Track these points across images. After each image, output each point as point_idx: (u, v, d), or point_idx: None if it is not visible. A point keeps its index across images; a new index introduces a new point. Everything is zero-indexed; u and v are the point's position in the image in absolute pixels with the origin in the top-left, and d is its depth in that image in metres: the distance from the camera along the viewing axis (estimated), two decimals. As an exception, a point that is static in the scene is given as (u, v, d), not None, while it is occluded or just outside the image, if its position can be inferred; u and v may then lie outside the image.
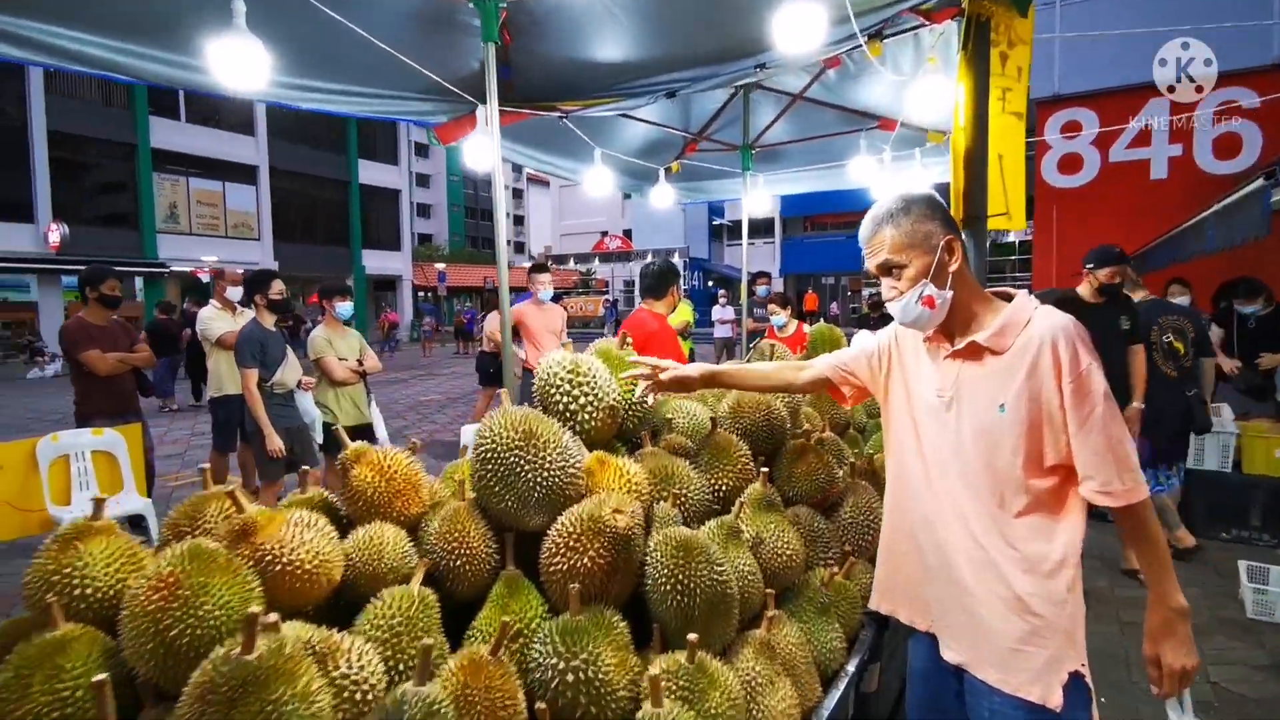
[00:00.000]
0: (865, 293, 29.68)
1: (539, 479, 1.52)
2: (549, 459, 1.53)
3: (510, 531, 1.54)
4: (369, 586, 1.39)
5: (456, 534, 1.48)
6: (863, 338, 1.90)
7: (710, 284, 36.62)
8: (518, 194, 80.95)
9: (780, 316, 6.16)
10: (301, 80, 3.46)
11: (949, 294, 1.52)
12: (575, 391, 1.78)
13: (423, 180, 71.03)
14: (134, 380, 5.35)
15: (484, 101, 3.43)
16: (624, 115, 5.04)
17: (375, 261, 34.58)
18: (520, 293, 7.99)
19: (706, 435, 2.02)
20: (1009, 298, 1.58)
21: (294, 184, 30.68)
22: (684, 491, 1.77)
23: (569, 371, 1.79)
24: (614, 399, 1.83)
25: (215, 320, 5.84)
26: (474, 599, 1.47)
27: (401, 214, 36.57)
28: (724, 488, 1.89)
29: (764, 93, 5.70)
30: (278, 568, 1.22)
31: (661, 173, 5.95)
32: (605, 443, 1.86)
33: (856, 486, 2.16)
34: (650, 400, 1.95)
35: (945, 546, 1.56)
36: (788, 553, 1.75)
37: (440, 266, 36.16)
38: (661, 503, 1.69)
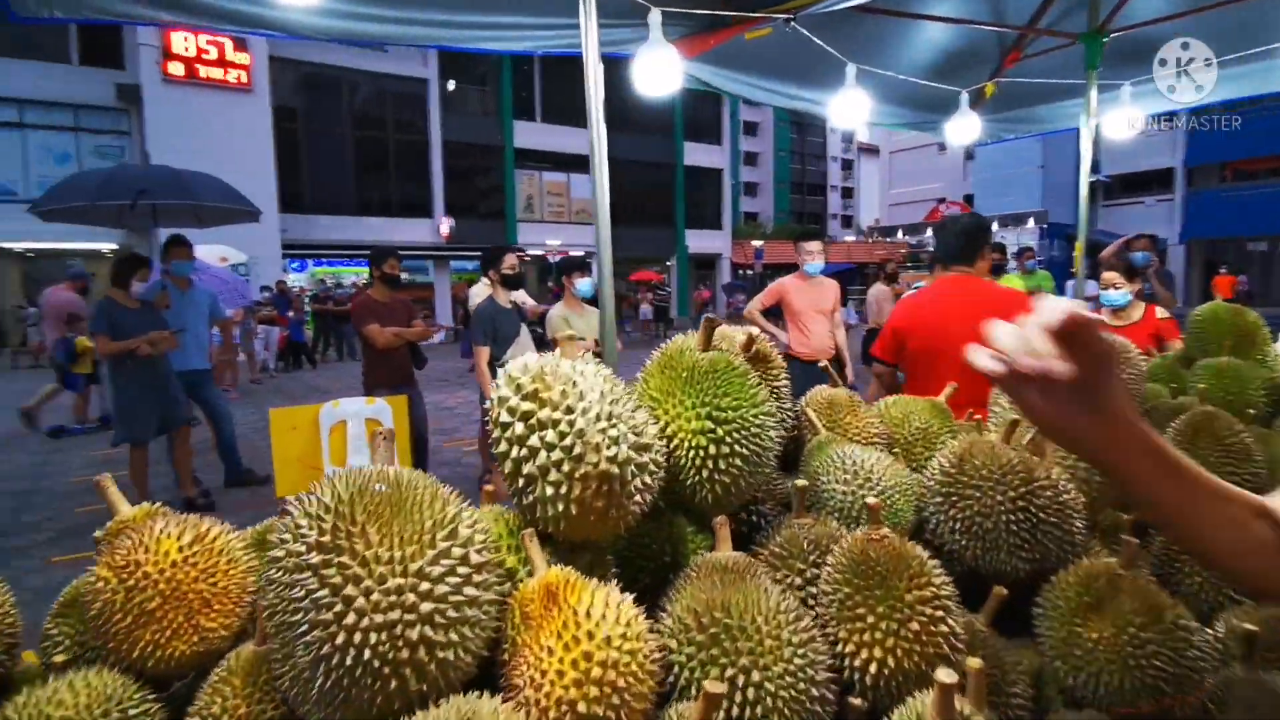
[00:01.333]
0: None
1: (341, 637, 0.67)
2: (374, 590, 0.67)
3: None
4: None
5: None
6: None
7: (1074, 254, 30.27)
8: (847, 165, 77.25)
9: (1118, 293, 3.81)
10: (466, 17, 2.99)
11: None
12: (529, 438, 0.87)
13: (750, 159, 71.94)
14: (409, 354, 5.66)
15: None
16: (897, 13, 3.65)
17: (697, 241, 35.71)
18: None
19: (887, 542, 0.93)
20: None
21: (626, 171, 33.03)
22: (778, 685, 0.75)
23: (523, 395, 0.89)
24: (625, 451, 0.87)
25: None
26: None
27: (723, 193, 37.12)
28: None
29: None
30: None
31: (964, 98, 4.34)
32: (595, 546, 0.92)
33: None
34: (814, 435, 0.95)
35: None
36: None
37: (758, 244, 35.92)
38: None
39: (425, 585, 0.72)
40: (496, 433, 0.90)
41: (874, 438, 1.37)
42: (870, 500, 0.95)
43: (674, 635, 0.87)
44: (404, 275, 28.32)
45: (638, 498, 0.91)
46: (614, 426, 0.88)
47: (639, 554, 1.08)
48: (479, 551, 0.79)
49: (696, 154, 35.15)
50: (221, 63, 20.39)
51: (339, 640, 0.68)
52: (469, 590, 0.75)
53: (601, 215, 2.72)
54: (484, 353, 4.57)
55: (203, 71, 20.11)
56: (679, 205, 34.88)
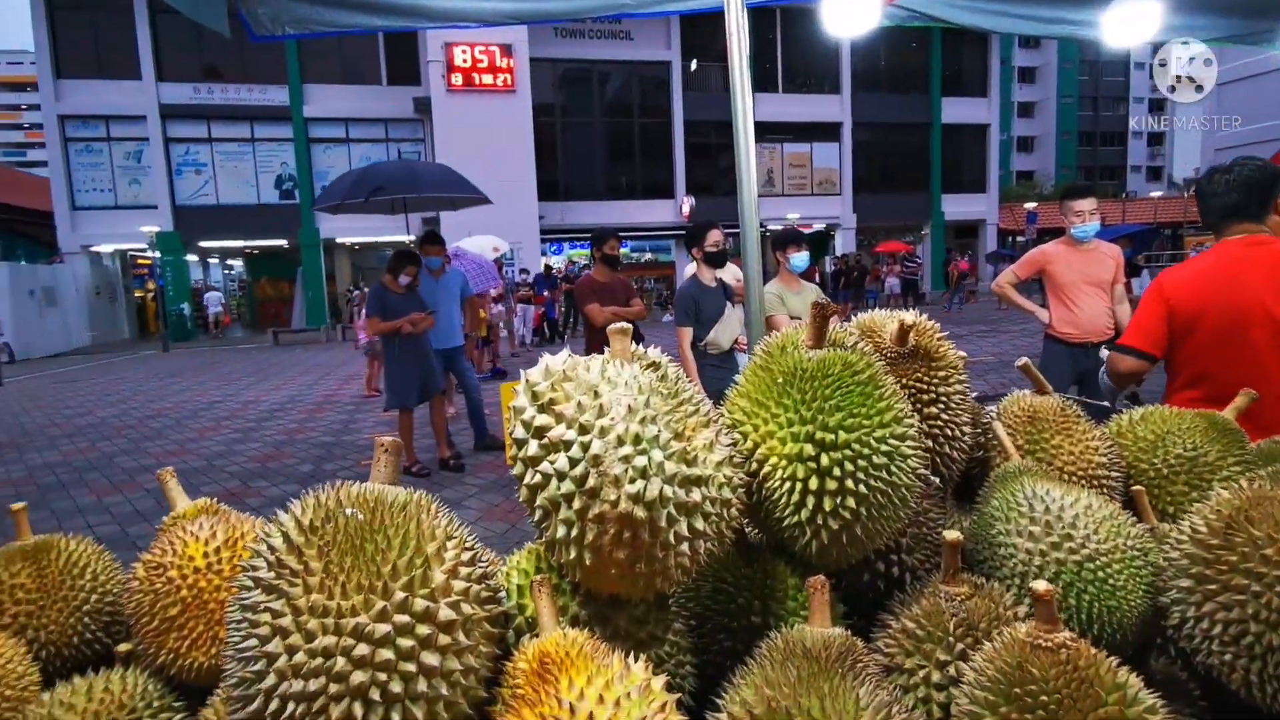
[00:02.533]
0: None
1: (258, 702, 0.56)
2: (299, 649, 0.56)
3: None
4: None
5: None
6: None
7: None
8: (1157, 106, 64.28)
9: None
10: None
11: None
12: (542, 461, 0.69)
13: (1025, 110, 63.16)
14: (630, 332, 5.76)
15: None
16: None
17: (956, 206, 32.31)
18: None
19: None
20: None
21: (874, 134, 30.87)
22: None
23: (539, 405, 0.70)
24: (658, 487, 0.65)
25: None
26: None
27: (989, 151, 33.03)
28: None
29: None
30: None
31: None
32: (615, 599, 0.72)
33: None
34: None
35: None
36: None
37: (1031, 206, 31.41)
38: None
39: (362, 649, 0.57)
40: (511, 451, 0.73)
41: (1096, 471, 0.97)
42: (1039, 586, 0.62)
43: (724, 740, 0.64)
44: (648, 255, 29.65)
45: (684, 548, 0.68)
46: (642, 454, 0.66)
47: (719, 609, 0.84)
48: (457, 605, 0.63)
49: (957, 109, 31.60)
50: (492, 69, 22.77)
51: (254, 706, 0.57)
52: (427, 658, 0.59)
53: (746, 182, 2.41)
54: (685, 334, 4.45)
55: (477, 79, 22.65)
56: (935, 168, 31.76)
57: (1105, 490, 0.96)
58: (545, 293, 19.02)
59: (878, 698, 0.64)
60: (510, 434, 0.73)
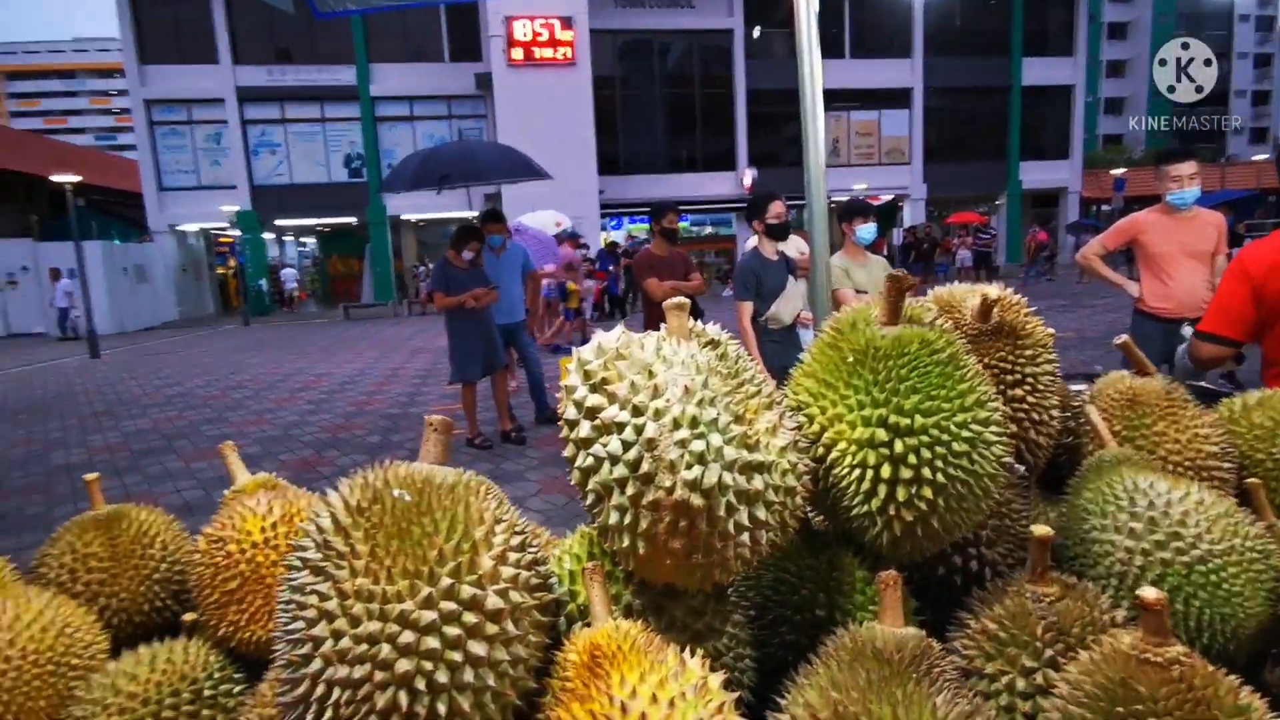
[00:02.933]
0: None
1: (304, 686, 0.55)
2: (345, 634, 0.55)
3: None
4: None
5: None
6: None
7: None
8: (1262, 61, 59.23)
9: None
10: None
11: None
12: (594, 444, 0.65)
13: (1115, 68, 59.18)
14: (688, 308, 5.69)
15: None
16: None
17: (1035, 174, 30.66)
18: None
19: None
20: None
21: (947, 100, 29.48)
22: None
23: (591, 385, 0.67)
24: (717, 473, 0.61)
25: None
26: None
27: (1074, 114, 31.11)
28: None
29: None
30: None
31: None
32: (671, 589, 0.68)
33: None
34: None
35: None
36: None
37: (1119, 172, 29.51)
38: None
39: (408, 636, 0.55)
40: (564, 432, 0.69)
41: (1207, 462, 0.87)
42: (1148, 594, 0.55)
43: (783, 746, 0.60)
44: (708, 229, 29.30)
45: (744, 538, 0.64)
46: (700, 438, 0.61)
47: (781, 601, 0.80)
48: (505, 593, 0.60)
49: (1039, 70, 29.82)
50: (552, 43, 22.68)
51: (300, 690, 0.56)
52: (474, 647, 0.57)
53: (813, 151, 2.29)
54: (745, 309, 4.35)
55: (537, 53, 22.60)
56: (1013, 134, 30.13)
57: (1216, 484, 0.87)
58: (610, 268, 19.04)
59: (957, 707, 0.58)
60: (563, 414, 0.69)
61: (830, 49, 28.08)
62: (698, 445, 0.61)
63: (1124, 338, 0.96)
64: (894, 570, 0.69)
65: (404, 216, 26.35)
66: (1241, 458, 0.94)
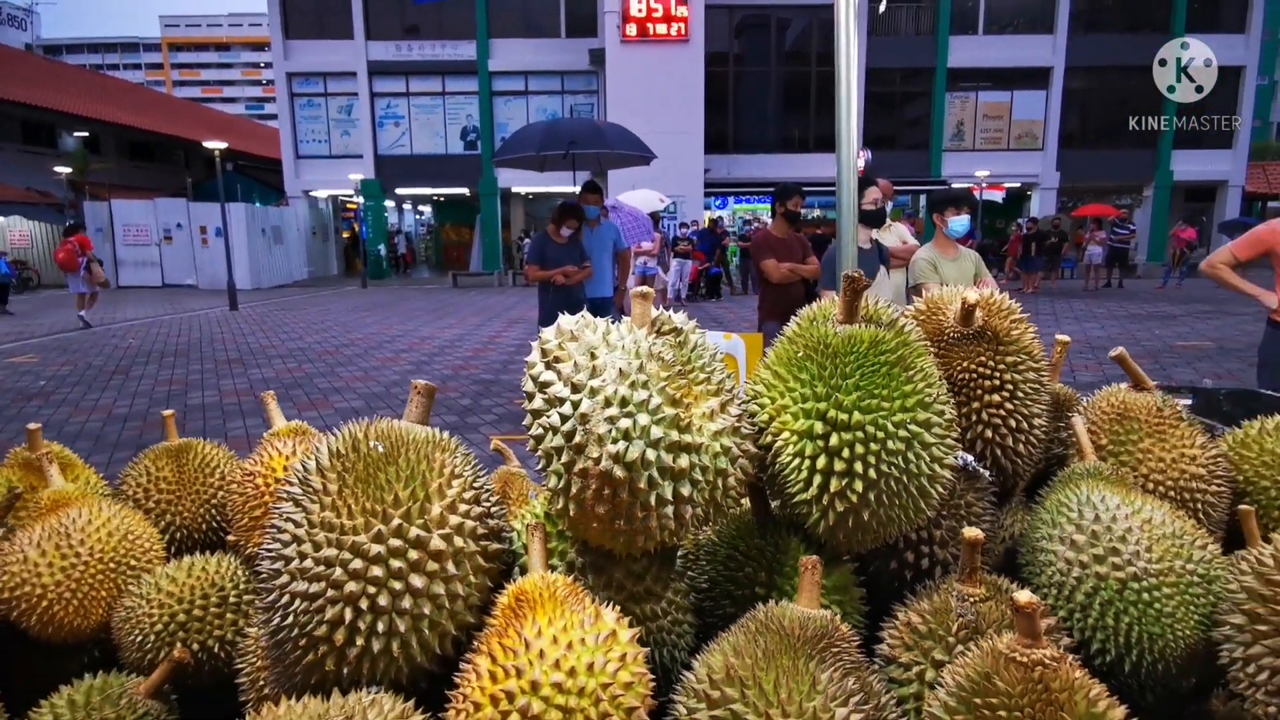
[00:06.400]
0: None
1: (273, 595, 0.67)
2: (308, 556, 0.65)
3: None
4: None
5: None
6: None
7: None
8: None
9: None
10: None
11: None
12: (543, 415, 0.72)
13: (1299, 47, 52.26)
14: (804, 290, 5.62)
15: None
16: None
17: (1190, 164, 27.81)
18: None
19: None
20: None
21: (1092, 81, 27.13)
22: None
23: (546, 362, 0.74)
24: (640, 449, 0.67)
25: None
26: None
27: (1243, 98, 27.88)
28: None
29: None
30: None
31: None
32: (649, 555, 0.74)
33: None
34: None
35: None
36: None
37: (1291, 165, 26.27)
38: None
39: (357, 563, 0.65)
40: (524, 403, 0.77)
41: (1189, 483, 0.85)
42: (1020, 596, 0.57)
43: (685, 698, 0.66)
44: (817, 212, 28.56)
45: (667, 511, 0.70)
46: (628, 416, 0.67)
47: (727, 577, 0.85)
48: (450, 538, 0.69)
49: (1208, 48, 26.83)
50: (666, 19, 22.58)
51: (271, 597, 0.67)
52: (414, 579, 0.66)
53: (846, 138, 2.22)
54: (832, 298, 4.26)
55: (651, 29, 22.57)
56: (1168, 119, 27.36)
57: (1200, 506, 0.84)
58: (708, 248, 18.93)
59: (842, 684, 0.62)
60: (523, 387, 0.77)
61: (961, 25, 26.44)
62: (624, 423, 0.67)
63: (1118, 350, 0.93)
64: (814, 556, 0.73)
65: (515, 189, 27.17)
66: (1246, 484, 0.90)
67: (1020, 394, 0.89)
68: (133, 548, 0.93)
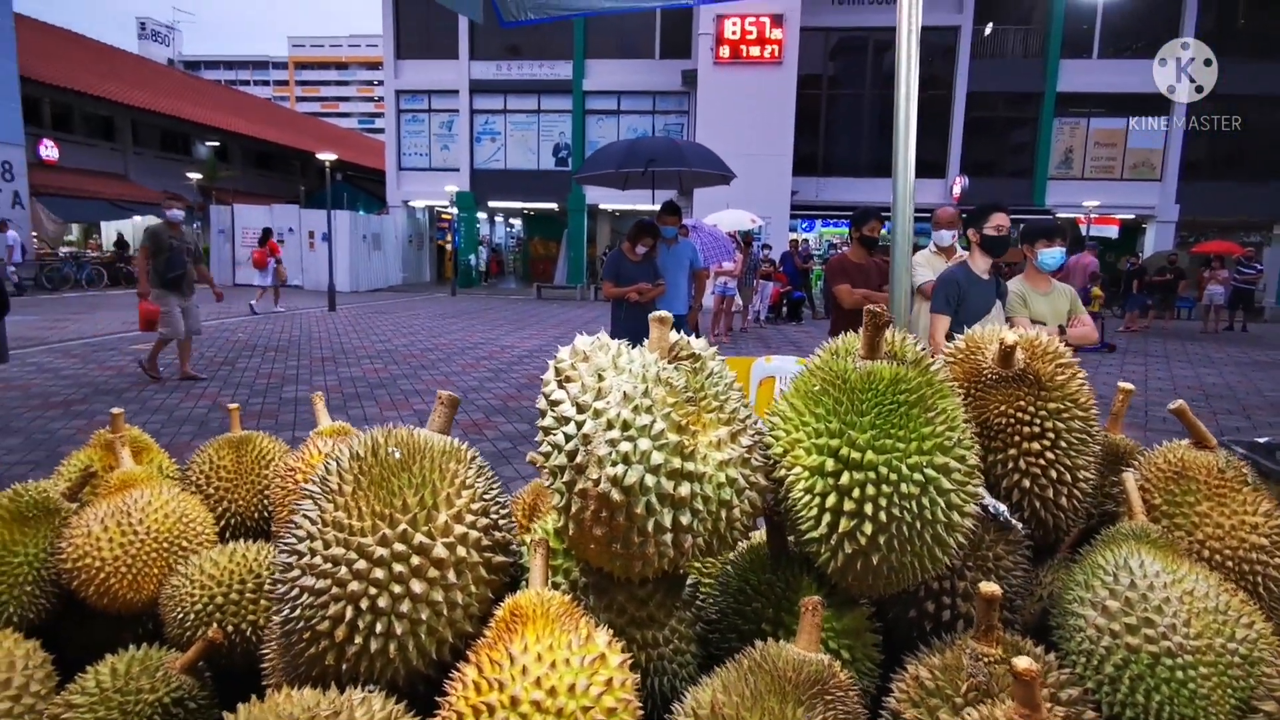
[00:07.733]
0: None
1: (282, 588, 0.71)
2: (318, 553, 0.69)
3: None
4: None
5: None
6: None
7: None
8: None
9: None
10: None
11: None
12: (552, 432, 0.73)
13: None
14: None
15: None
16: None
17: (1329, 201, 25.41)
18: None
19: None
20: None
21: (1221, 107, 25.20)
22: None
23: (559, 380, 0.75)
24: (640, 474, 0.67)
25: (923, 266, 5.37)
26: None
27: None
28: None
29: None
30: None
31: None
32: (658, 582, 0.73)
33: None
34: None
35: None
36: None
37: None
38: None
39: (361, 564, 0.68)
40: (539, 420, 0.79)
41: (1249, 553, 0.77)
42: (1019, 663, 0.53)
43: (671, 731, 0.65)
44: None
45: (665, 539, 0.69)
46: (629, 440, 0.68)
47: (735, 610, 0.84)
48: (453, 547, 0.71)
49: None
50: (760, 41, 22.56)
51: (282, 589, 0.71)
52: (415, 584, 0.69)
53: (903, 157, 2.13)
54: (942, 323, 4.00)
55: (744, 51, 22.61)
56: (1303, 150, 25.16)
57: (1260, 580, 0.76)
58: (791, 271, 18.69)
59: (828, 736, 0.60)
60: (538, 403, 0.79)
61: (1075, 49, 25.23)
62: (625, 446, 0.68)
63: (1178, 403, 0.86)
64: (817, 597, 0.71)
65: (601, 206, 27.68)
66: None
67: (1064, 443, 0.84)
68: (186, 530, 1.00)
